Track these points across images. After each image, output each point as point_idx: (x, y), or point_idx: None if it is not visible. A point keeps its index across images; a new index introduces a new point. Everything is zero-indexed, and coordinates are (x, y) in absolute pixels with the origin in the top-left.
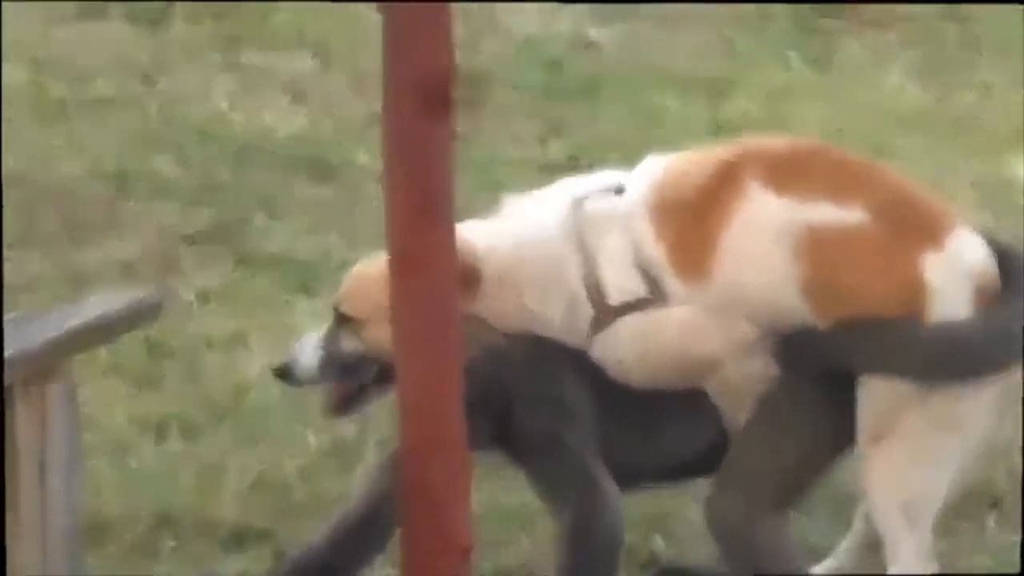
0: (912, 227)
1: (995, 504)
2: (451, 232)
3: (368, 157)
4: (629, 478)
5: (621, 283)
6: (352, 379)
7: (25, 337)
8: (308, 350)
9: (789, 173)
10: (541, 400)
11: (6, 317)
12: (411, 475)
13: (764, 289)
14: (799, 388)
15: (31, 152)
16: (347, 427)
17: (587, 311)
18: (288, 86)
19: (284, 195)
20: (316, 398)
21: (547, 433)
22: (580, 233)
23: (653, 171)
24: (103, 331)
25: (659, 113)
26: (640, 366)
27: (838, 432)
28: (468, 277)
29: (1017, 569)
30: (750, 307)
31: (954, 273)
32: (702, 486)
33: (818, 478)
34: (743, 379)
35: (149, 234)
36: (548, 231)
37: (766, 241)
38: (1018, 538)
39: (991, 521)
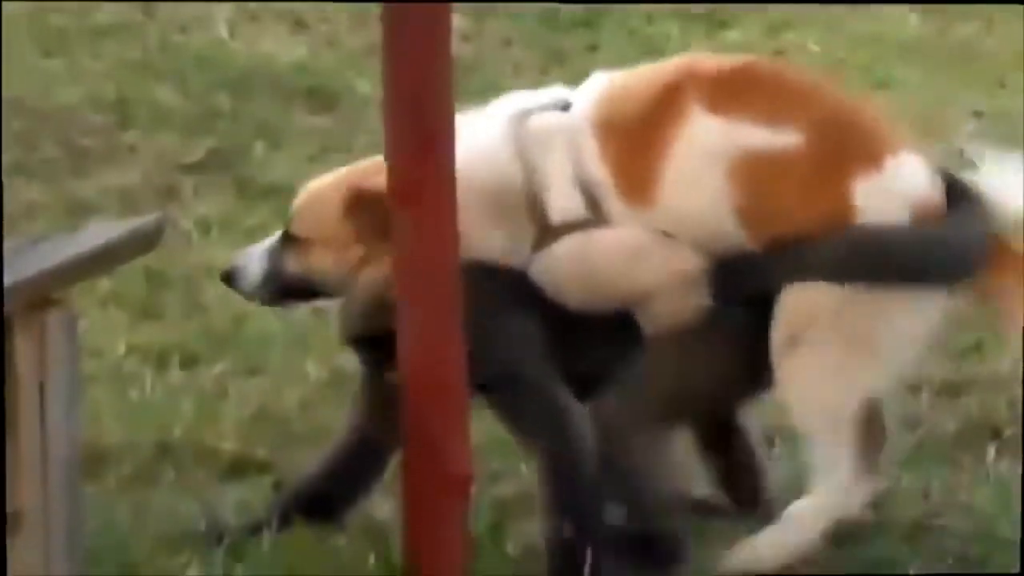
0: (848, 149)
1: (996, 435)
2: (451, 163)
3: (368, 86)
4: None
5: (562, 202)
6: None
7: (25, 265)
8: (254, 261)
9: (730, 94)
10: (496, 338)
11: (4, 245)
12: (410, 407)
13: (701, 214)
14: (722, 320)
15: (31, 80)
16: (347, 358)
17: (528, 229)
18: (288, 14)
19: (284, 124)
20: (316, 328)
21: (506, 371)
22: (523, 148)
23: (599, 88)
24: (103, 260)
25: (659, 43)
26: (577, 287)
27: (747, 376)
28: None
29: (1018, 496)
30: (690, 233)
31: (889, 196)
32: None
33: (710, 411)
34: (676, 311)
35: (149, 163)
36: (490, 147)
37: (703, 165)
38: (1019, 470)
39: (991, 452)
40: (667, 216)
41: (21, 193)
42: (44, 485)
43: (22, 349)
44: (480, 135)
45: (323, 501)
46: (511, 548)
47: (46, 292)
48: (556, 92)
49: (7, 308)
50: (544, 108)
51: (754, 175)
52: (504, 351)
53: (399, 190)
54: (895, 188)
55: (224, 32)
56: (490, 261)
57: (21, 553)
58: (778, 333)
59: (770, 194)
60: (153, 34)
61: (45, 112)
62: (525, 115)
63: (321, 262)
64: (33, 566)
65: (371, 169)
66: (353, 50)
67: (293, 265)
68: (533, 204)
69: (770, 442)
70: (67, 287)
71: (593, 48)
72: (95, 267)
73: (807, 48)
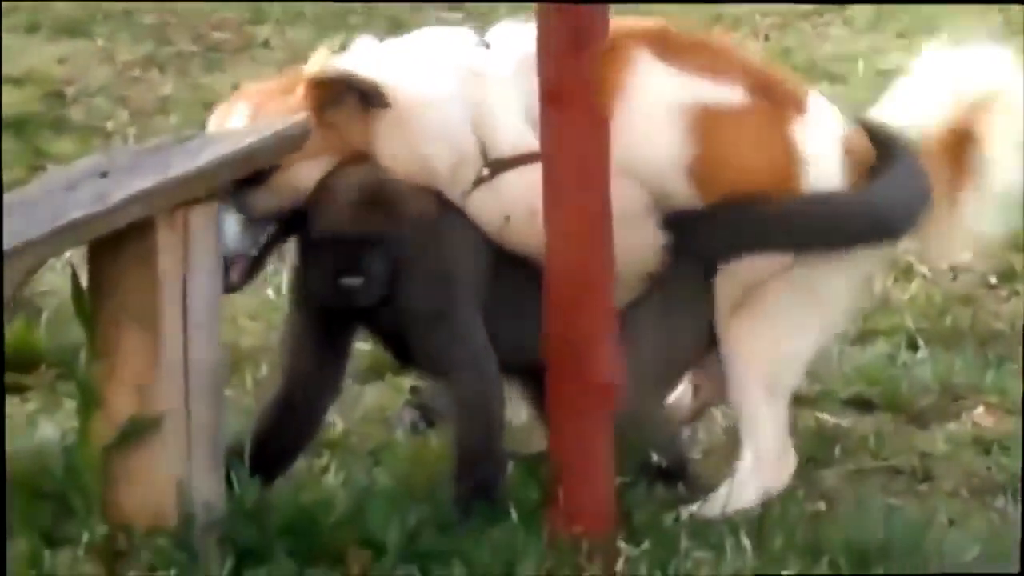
0: (779, 99)
1: None
2: (602, 67)
3: None
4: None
5: (513, 136)
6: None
7: (170, 165)
8: (225, 227)
9: (671, 49)
10: (430, 277)
11: (147, 144)
12: (554, 313)
13: (654, 165)
14: (689, 273)
15: None
16: None
17: (474, 164)
18: None
19: (417, 20)
20: None
21: (435, 310)
22: (466, 85)
23: (524, 30)
24: (248, 162)
25: None
26: (527, 224)
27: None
28: (374, 98)
29: None
30: (641, 179)
31: (821, 138)
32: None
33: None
34: (629, 247)
35: (281, 58)
36: (438, 80)
37: (660, 117)
38: None
39: None
40: (623, 164)
41: (154, 87)
42: (186, 386)
43: (165, 248)
44: (427, 67)
45: (261, 463)
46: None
47: (191, 193)
48: (466, 32)
49: (150, 210)
50: (472, 47)
51: (710, 129)
52: (437, 293)
53: (550, 90)
54: (823, 126)
55: None
56: (435, 193)
57: (162, 456)
58: (723, 297)
59: (725, 148)
60: None
61: (178, 7)
62: (461, 52)
63: (301, 178)
64: (174, 469)
65: (291, 77)
66: None
67: (266, 204)
68: (481, 139)
69: None
70: (211, 188)
71: None
72: (240, 169)
73: None
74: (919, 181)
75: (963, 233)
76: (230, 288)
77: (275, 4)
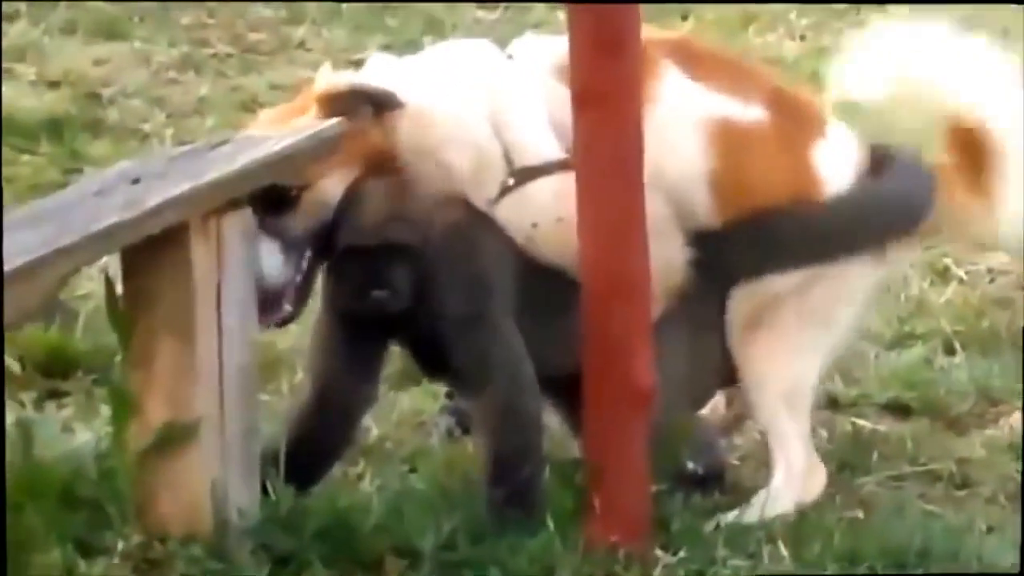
0: (801, 120)
1: None
2: (636, 64)
3: None
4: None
5: (537, 144)
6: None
7: (203, 170)
8: (265, 258)
9: (694, 62)
10: (465, 281)
11: (180, 149)
12: (591, 313)
13: (678, 177)
14: (714, 291)
15: None
16: None
17: (498, 173)
18: None
19: (453, 18)
20: None
21: (471, 314)
22: (487, 93)
23: (547, 43)
24: (283, 166)
25: None
26: (554, 231)
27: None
28: (385, 102)
29: None
30: (663, 190)
31: (839, 162)
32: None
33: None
34: (653, 260)
35: (318, 59)
36: (456, 87)
37: (686, 128)
38: None
39: None
40: (648, 173)
41: (191, 89)
42: (220, 392)
43: (199, 254)
44: (448, 76)
45: (297, 471)
46: None
47: (224, 199)
48: (485, 44)
49: (184, 215)
50: (496, 57)
51: (730, 145)
52: (470, 296)
53: (582, 91)
54: (841, 152)
55: None
56: (466, 199)
57: (196, 462)
58: (736, 317)
59: (745, 165)
60: None
61: (215, 7)
62: (484, 62)
63: (328, 193)
64: (208, 475)
65: (302, 99)
66: None
67: (296, 223)
68: (506, 147)
69: None
70: (246, 192)
71: None
72: (275, 173)
73: None
74: (920, 169)
75: (1004, 217)
76: (286, 319)
77: (312, 4)
